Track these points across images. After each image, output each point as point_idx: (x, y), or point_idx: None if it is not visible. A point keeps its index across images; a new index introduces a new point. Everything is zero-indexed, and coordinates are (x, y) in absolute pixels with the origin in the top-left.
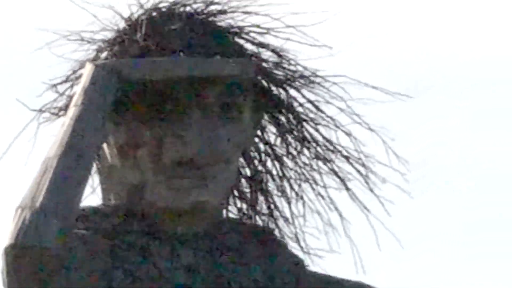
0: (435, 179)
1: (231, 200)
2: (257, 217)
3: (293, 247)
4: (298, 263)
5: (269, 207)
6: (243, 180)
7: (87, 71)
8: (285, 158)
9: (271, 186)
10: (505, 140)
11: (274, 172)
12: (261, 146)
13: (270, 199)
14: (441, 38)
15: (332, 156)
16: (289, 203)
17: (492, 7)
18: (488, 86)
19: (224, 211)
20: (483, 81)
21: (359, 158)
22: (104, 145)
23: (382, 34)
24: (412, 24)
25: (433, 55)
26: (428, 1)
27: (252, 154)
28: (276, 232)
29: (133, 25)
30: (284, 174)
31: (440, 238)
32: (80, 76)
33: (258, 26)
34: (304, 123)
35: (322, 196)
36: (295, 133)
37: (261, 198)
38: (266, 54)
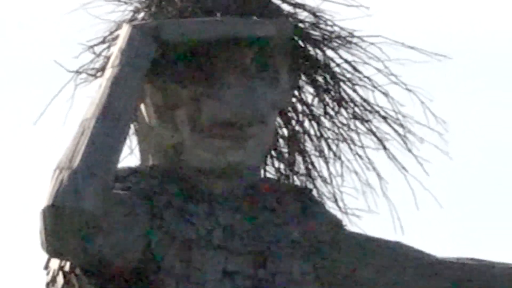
0: (474, 138)
1: (268, 160)
2: (295, 177)
3: (331, 207)
4: (336, 223)
5: (307, 167)
6: (280, 140)
7: (124, 32)
8: (322, 118)
9: (308, 146)
10: None
11: (312, 132)
12: (299, 106)
13: (308, 159)
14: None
15: (370, 116)
16: (327, 163)
17: None
18: None
19: (262, 171)
20: None
21: (397, 118)
22: (142, 106)
23: None
24: None
25: (474, 17)
26: None
27: (289, 114)
28: (314, 192)
29: None
30: (321, 134)
31: (478, 198)
32: (117, 37)
33: None
34: (341, 83)
35: (360, 156)
36: (333, 93)
37: (299, 158)
38: (302, 14)
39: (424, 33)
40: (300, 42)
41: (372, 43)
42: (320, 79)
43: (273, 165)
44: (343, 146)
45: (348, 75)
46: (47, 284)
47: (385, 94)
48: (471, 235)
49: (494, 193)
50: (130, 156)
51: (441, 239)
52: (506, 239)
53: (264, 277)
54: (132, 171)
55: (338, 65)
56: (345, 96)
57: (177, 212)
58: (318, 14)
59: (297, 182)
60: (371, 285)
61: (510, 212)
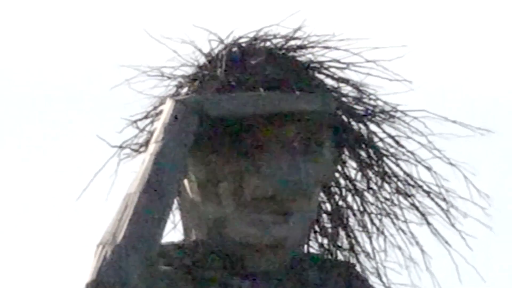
0: None
1: (312, 235)
2: (338, 252)
3: (374, 282)
4: None
5: (350, 242)
6: (324, 215)
7: (168, 107)
8: (365, 193)
9: (352, 221)
10: None
11: (355, 207)
12: (342, 181)
13: (351, 234)
14: None
15: (413, 191)
16: (370, 237)
17: None
18: None
19: (306, 247)
20: None
21: (440, 193)
22: (185, 181)
23: (463, 67)
24: (493, 58)
25: None
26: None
27: (332, 189)
28: (358, 267)
29: (213, 60)
30: (365, 209)
31: None
32: (161, 112)
33: (338, 61)
34: (385, 158)
35: (403, 231)
36: (376, 168)
37: (342, 233)
38: (346, 89)
39: (467, 106)
40: (344, 117)
41: (415, 117)
42: (363, 153)
43: (316, 240)
44: (386, 221)
45: (391, 150)
46: None
47: (428, 169)
48: None
49: None
50: (173, 231)
51: None
52: None
53: None
54: (176, 246)
55: (381, 139)
56: (388, 171)
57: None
58: (361, 88)
59: (341, 257)
60: None
61: None
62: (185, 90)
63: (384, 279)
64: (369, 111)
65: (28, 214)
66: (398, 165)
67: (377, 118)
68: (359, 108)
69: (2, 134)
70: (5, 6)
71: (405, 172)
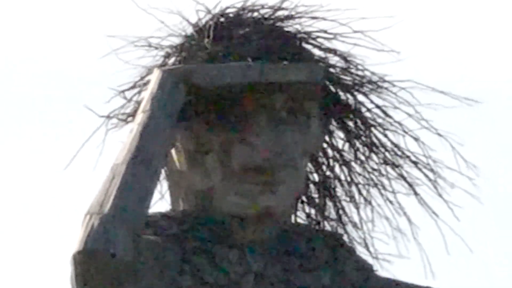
0: (506, 183)
1: (299, 206)
2: (326, 223)
3: (361, 252)
4: (367, 268)
5: (337, 213)
6: (311, 186)
7: (155, 77)
8: (353, 164)
9: (339, 191)
10: None
11: (343, 178)
12: (329, 151)
13: (338, 205)
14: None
15: (401, 161)
16: (357, 208)
17: None
18: None
19: (293, 217)
20: None
21: (428, 164)
22: (173, 151)
23: (450, 38)
24: (483, 28)
25: (503, 61)
26: (499, 6)
27: (320, 159)
28: (345, 237)
29: (200, 30)
30: (352, 180)
31: (510, 243)
32: (148, 82)
33: (325, 32)
34: (372, 128)
35: (390, 201)
36: (363, 138)
37: (329, 204)
38: (333, 59)
39: (455, 77)
40: (331, 87)
41: (403, 88)
42: (351, 124)
43: (303, 210)
44: (373, 191)
45: (379, 120)
46: None
47: (416, 139)
48: (502, 281)
49: None
50: (160, 201)
51: (472, 284)
52: None
53: None
54: (163, 216)
55: (369, 110)
56: (376, 141)
57: (208, 258)
58: (349, 59)
59: (328, 228)
60: None
61: None
62: (172, 60)
63: (371, 249)
64: (357, 82)
65: (17, 184)
66: (385, 136)
67: (365, 88)
68: (346, 78)
69: None
70: None
71: (392, 143)
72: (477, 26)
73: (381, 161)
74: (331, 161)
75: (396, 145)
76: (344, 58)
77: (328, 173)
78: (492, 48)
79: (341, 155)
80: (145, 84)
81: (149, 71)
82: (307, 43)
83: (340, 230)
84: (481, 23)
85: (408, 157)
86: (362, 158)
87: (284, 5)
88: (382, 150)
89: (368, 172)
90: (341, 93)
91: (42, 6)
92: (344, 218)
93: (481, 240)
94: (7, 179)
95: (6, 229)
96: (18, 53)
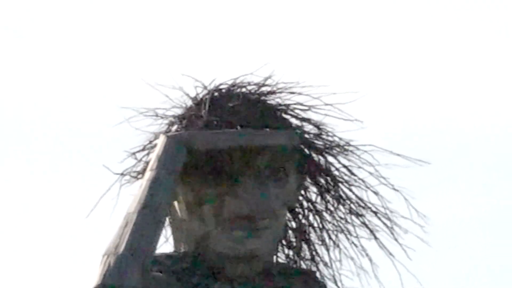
0: (451, 229)
1: (280, 248)
2: (302, 262)
3: (331, 286)
4: None
5: (311, 254)
6: (289, 231)
7: (161, 141)
8: (324, 213)
9: (312, 236)
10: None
11: (315, 225)
12: (305, 203)
13: (312, 247)
14: (459, 112)
15: (363, 212)
16: (328, 250)
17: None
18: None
19: (274, 257)
20: (492, 154)
21: (385, 213)
22: (175, 202)
23: (406, 109)
24: (428, 99)
25: (451, 127)
26: (445, 80)
27: (297, 209)
28: (318, 274)
29: (198, 103)
30: (323, 226)
31: (456, 279)
32: (155, 145)
33: (301, 104)
34: (340, 184)
35: (355, 245)
36: (332, 192)
37: (304, 246)
38: (308, 127)
39: (409, 141)
40: (306, 150)
41: (365, 151)
42: (322, 180)
43: (283, 252)
44: (341, 236)
45: (345, 177)
46: None
47: (376, 193)
48: None
49: (469, 275)
50: (165, 243)
51: None
52: None
53: None
54: (167, 256)
55: (337, 169)
56: (343, 195)
57: None
58: (321, 127)
59: (303, 266)
60: None
61: None
62: (175, 127)
63: (339, 284)
64: (327, 145)
65: (44, 231)
66: (351, 190)
67: (334, 151)
68: (318, 142)
69: (23, 162)
70: (13, 45)
71: (356, 196)
72: (424, 97)
73: (347, 211)
74: (305, 211)
75: (359, 198)
76: (316, 126)
77: (303, 221)
78: (441, 116)
79: (314, 206)
80: (153, 147)
81: (156, 136)
82: (286, 113)
83: (314, 268)
84: (427, 94)
85: (369, 208)
86: (332, 208)
87: (267, 82)
88: (348, 202)
89: (337, 220)
90: (314, 155)
91: (65, 81)
92: (317, 258)
93: (431, 277)
94: (39, 226)
95: (36, 266)
96: (46, 122)
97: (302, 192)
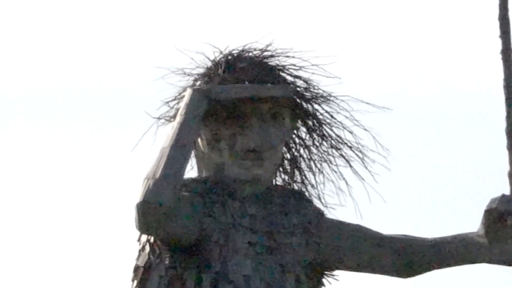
0: (407, 158)
1: (278, 174)
2: (294, 184)
3: (317, 202)
4: (321, 212)
5: (301, 178)
6: (285, 161)
7: (187, 93)
8: (311, 147)
9: (303, 165)
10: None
11: (305, 156)
12: (297, 139)
13: (302, 173)
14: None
15: (341, 146)
16: (314, 175)
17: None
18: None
19: (273, 181)
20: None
21: (358, 147)
22: (198, 139)
23: (377, 67)
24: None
25: (413, 82)
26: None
27: (291, 145)
28: (306, 193)
29: (216, 64)
30: (311, 157)
31: (413, 198)
32: (183, 96)
33: (294, 65)
34: (323, 125)
35: (335, 171)
36: (318, 131)
37: (296, 173)
38: (299, 82)
39: (376, 90)
40: (297, 99)
41: (342, 100)
42: (310, 122)
43: (280, 176)
44: (324, 165)
45: (327, 120)
46: (139, 250)
47: (351, 132)
48: (407, 220)
49: (424, 194)
50: (191, 170)
51: (387, 223)
52: (432, 225)
53: (274, 246)
54: (193, 180)
55: (321, 114)
56: (326, 133)
57: (221, 206)
58: (308, 82)
59: (296, 187)
60: (343, 251)
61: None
62: (198, 83)
63: (322, 201)
64: (313, 96)
65: (100, 161)
66: (332, 130)
67: (318, 100)
68: (307, 94)
69: (65, 123)
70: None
71: (336, 134)
72: (391, 60)
73: (329, 145)
74: (297, 145)
75: (338, 136)
76: (305, 81)
77: (295, 153)
78: (405, 69)
79: (304, 142)
80: (182, 97)
81: (184, 89)
82: (282, 72)
83: (303, 189)
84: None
85: (345, 143)
86: (317, 144)
87: (268, 48)
88: (330, 139)
89: (321, 153)
90: (303, 103)
91: (117, 47)
92: (306, 181)
93: (391, 195)
94: (92, 161)
95: (89, 196)
96: (96, 83)
97: (295, 131)
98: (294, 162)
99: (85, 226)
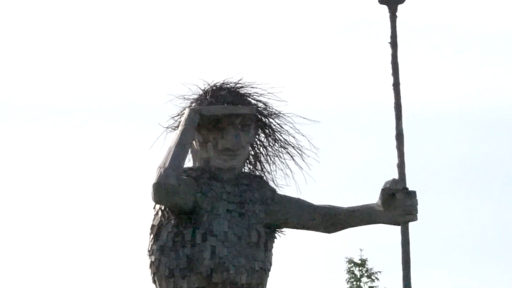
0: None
1: (246, 164)
2: (256, 172)
3: (271, 183)
4: (274, 190)
5: (261, 167)
6: (250, 156)
7: (186, 111)
8: (268, 147)
9: (262, 158)
10: None
11: (263, 153)
12: (258, 142)
13: (261, 164)
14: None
15: (287, 147)
16: (269, 165)
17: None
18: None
19: (243, 169)
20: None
21: (299, 147)
22: (194, 141)
23: (312, 91)
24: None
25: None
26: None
27: (254, 145)
28: (265, 178)
29: (205, 92)
30: (267, 153)
31: (337, 179)
32: (183, 113)
33: (256, 93)
34: (276, 132)
35: (283, 162)
36: (272, 136)
37: (258, 163)
38: (260, 104)
39: (309, 109)
40: (259, 115)
41: (288, 116)
42: (267, 130)
43: (247, 166)
44: (276, 159)
45: (278, 129)
46: (154, 215)
47: (293, 137)
48: (333, 195)
49: (343, 178)
50: (188, 162)
51: (318, 197)
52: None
53: (244, 212)
54: (189, 169)
55: (274, 125)
56: (277, 138)
57: (208, 186)
58: (266, 104)
59: (257, 173)
60: (289, 215)
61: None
62: (194, 104)
63: (275, 182)
64: (269, 113)
65: (118, 158)
66: (281, 135)
67: (273, 116)
68: (265, 112)
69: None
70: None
71: (284, 139)
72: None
73: (279, 146)
74: (258, 146)
75: (286, 140)
76: (264, 103)
77: (257, 151)
78: (336, 84)
79: (263, 143)
80: (182, 114)
81: (184, 108)
82: (249, 97)
83: (263, 175)
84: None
85: (290, 144)
86: (271, 145)
87: (240, 81)
88: (280, 141)
89: (274, 151)
90: (263, 118)
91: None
92: (264, 170)
93: (320, 178)
94: (111, 156)
95: (106, 188)
96: (119, 101)
97: (257, 136)
98: (256, 157)
99: (118, 206)
